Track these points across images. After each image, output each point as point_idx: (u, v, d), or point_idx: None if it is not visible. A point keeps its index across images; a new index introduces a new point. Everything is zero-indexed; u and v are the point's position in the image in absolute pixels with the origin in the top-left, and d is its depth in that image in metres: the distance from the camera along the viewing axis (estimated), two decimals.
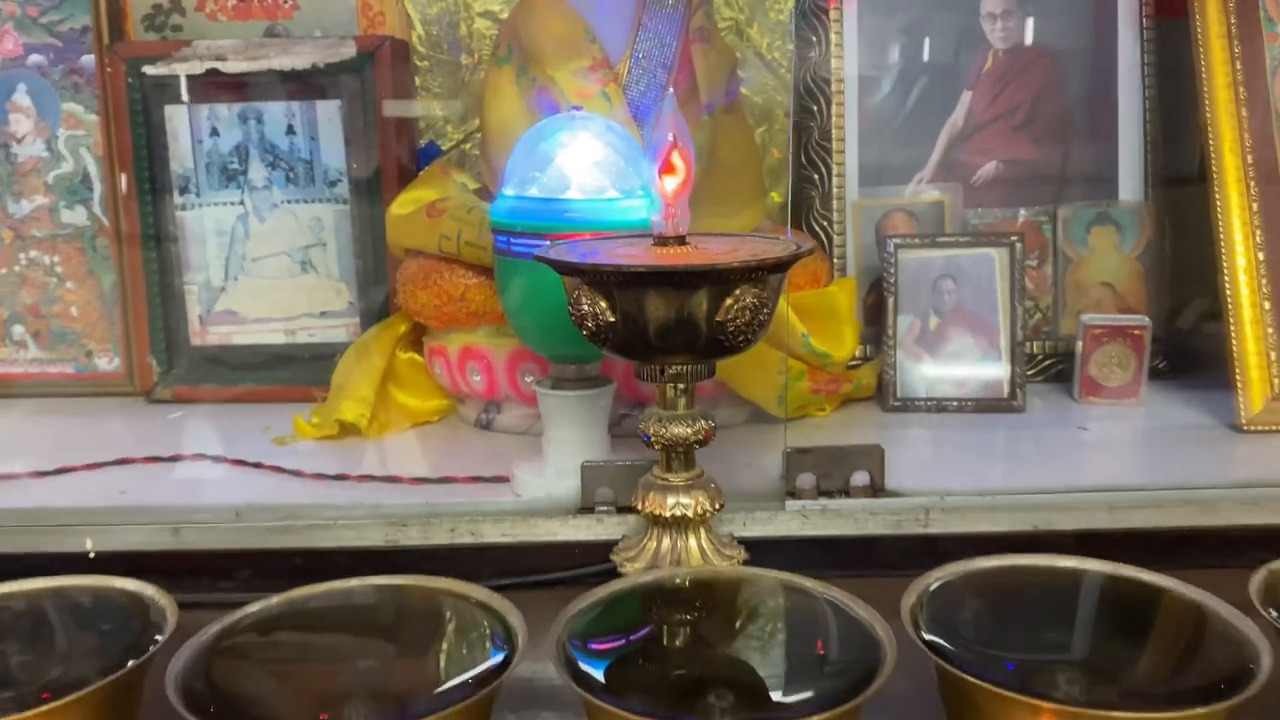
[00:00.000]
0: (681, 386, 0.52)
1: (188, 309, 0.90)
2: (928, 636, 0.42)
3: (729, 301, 0.47)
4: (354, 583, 0.47)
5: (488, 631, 0.43)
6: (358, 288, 0.90)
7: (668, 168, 0.50)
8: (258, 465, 0.73)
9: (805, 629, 0.44)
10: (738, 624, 0.45)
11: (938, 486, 0.63)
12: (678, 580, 0.47)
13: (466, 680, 0.39)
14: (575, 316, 0.50)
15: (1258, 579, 0.45)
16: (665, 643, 0.44)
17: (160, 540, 0.60)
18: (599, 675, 0.40)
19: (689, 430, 0.52)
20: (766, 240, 0.53)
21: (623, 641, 0.43)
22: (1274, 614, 0.43)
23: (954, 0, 0.91)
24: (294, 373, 0.89)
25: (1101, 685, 0.40)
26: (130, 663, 0.40)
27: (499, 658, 0.41)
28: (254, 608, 0.44)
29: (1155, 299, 0.91)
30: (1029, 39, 0.91)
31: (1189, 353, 0.90)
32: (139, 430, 0.84)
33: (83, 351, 0.94)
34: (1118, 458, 0.75)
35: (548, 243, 0.60)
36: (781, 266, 0.48)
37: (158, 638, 0.42)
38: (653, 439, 0.52)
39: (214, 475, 0.73)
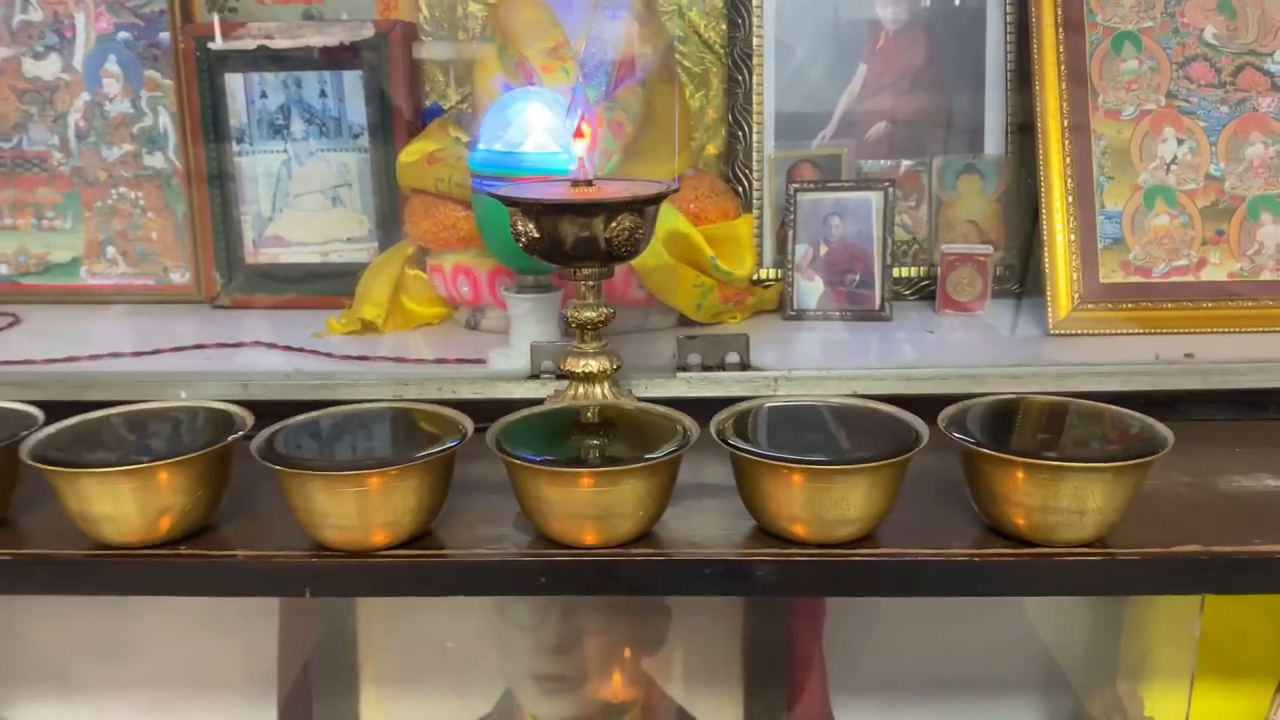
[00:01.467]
0: (590, 284, 0.75)
1: (243, 234, 1.14)
2: (731, 441, 0.66)
3: (614, 224, 0.71)
4: (366, 405, 0.72)
5: (451, 431, 0.67)
6: (375, 219, 1.13)
7: (578, 134, 0.73)
8: (300, 350, 0.98)
9: (650, 431, 0.68)
10: (611, 428, 0.70)
11: (789, 365, 0.87)
12: (559, 408, 0.72)
13: (433, 451, 0.64)
14: (514, 234, 0.74)
15: (950, 410, 0.69)
16: (562, 436, 0.69)
17: (233, 392, 0.85)
18: (517, 452, 0.64)
19: (595, 314, 0.76)
20: (650, 184, 0.77)
21: (535, 437, 0.68)
22: (951, 431, 0.66)
23: None
24: (326, 286, 1.13)
25: (831, 459, 0.63)
26: (229, 438, 0.65)
27: (455, 443, 0.65)
28: (301, 417, 0.69)
29: (1012, 233, 1.13)
30: (914, 22, 1.13)
31: (1037, 277, 1.13)
32: (207, 328, 1.08)
33: (160, 268, 1.19)
34: (942, 350, 0.98)
35: (506, 184, 0.83)
36: (650, 201, 0.72)
37: (240, 431, 0.67)
38: (570, 320, 0.76)
39: (268, 356, 0.98)
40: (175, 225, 1.17)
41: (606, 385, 0.78)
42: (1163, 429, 0.64)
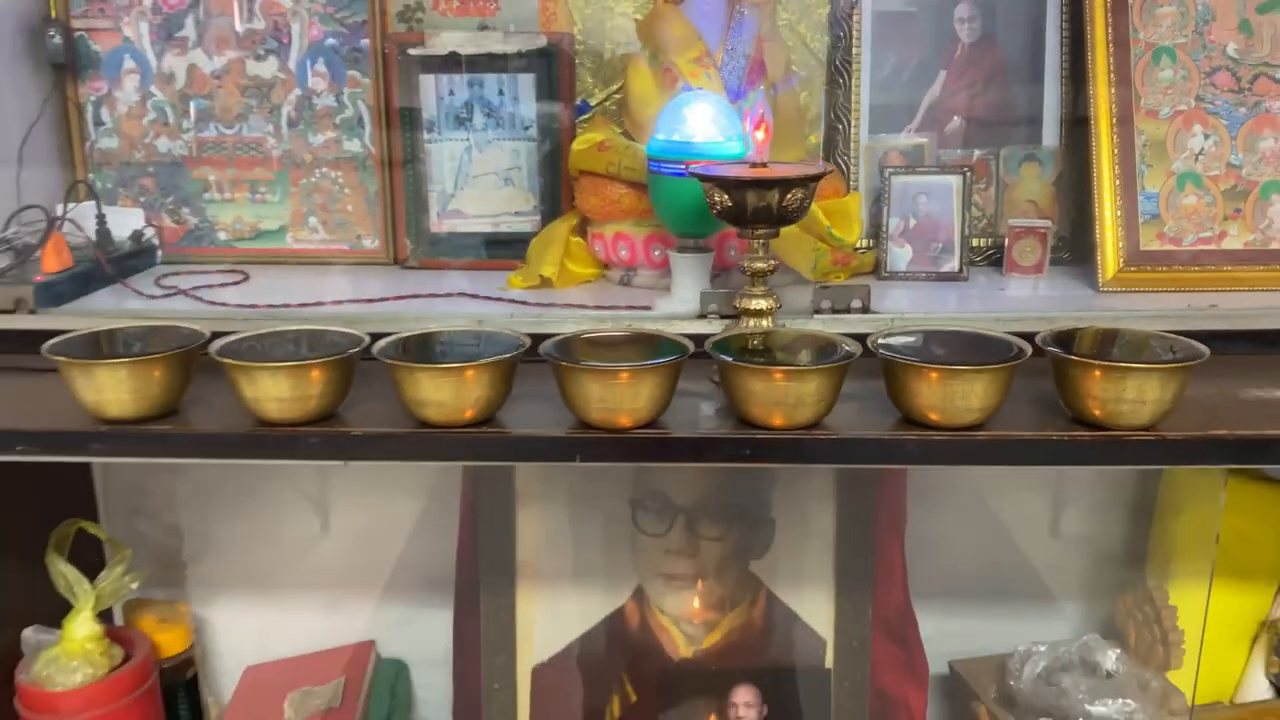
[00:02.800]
0: (762, 240, 0.99)
1: (430, 207, 1.38)
2: (884, 350, 0.90)
3: (788, 195, 0.95)
4: (604, 331, 0.96)
5: (673, 348, 0.91)
6: (539, 196, 1.37)
7: (757, 127, 0.97)
8: (498, 299, 1.22)
9: (816, 347, 0.92)
10: (785, 345, 0.94)
11: (900, 309, 1.11)
12: (756, 330, 0.96)
13: (669, 358, 0.88)
14: (709, 202, 0.98)
15: (1046, 329, 0.93)
16: (751, 350, 0.93)
17: (470, 326, 1.09)
18: (727, 356, 0.88)
19: (765, 265, 1.00)
20: (808, 165, 1.01)
21: (731, 347, 0.92)
22: (1050, 346, 0.90)
23: (936, 9, 1.36)
24: (497, 251, 1.37)
25: (956, 364, 0.87)
26: (514, 351, 0.89)
27: (682, 355, 0.89)
28: (558, 336, 0.93)
29: (1064, 210, 1.37)
30: (986, 36, 1.36)
31: (1084, 248, 1.36)
32: (408, 283, 1.30)
33: (354, 235, 1.42)
34: (1013, 302, 1.21)
35: (684, 166, 1.08)
36: (816, 179, 0.96)
37: (521, 348, 0.91)
38: (747, 269, 1.00)
39: (471, 303, 1.22)
40: (367, 199, 1.41)
41: (769, 320, 1.02)
42: (1200, 346, 0.88)
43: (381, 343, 0.91)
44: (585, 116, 1.41)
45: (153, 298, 1.23)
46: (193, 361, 0.92)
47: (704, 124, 1.10)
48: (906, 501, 1.39)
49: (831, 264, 1.27)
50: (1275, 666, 1.35)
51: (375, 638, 1.53)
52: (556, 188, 1.36)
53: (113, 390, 0.88)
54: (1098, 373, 0.85)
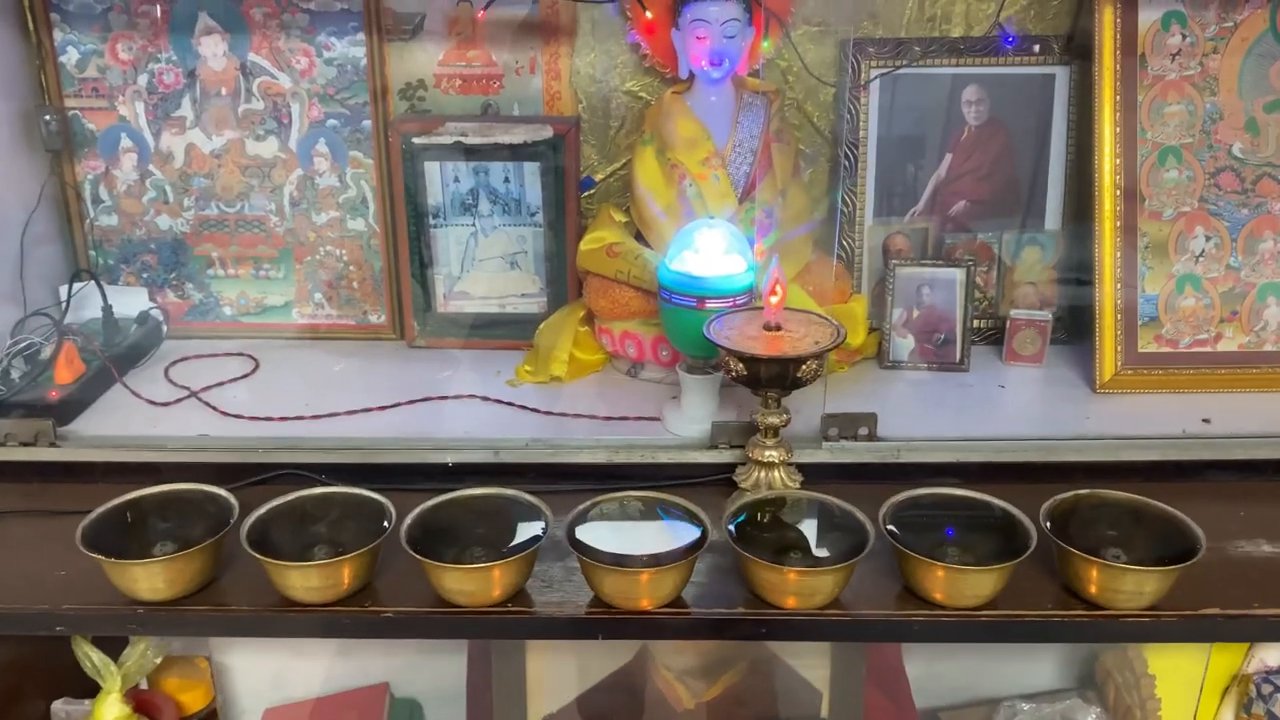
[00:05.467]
0: (775, 399, 1.01)
1: (436, 289, 1.38)
2: (889, 528, 0.93)
3: (802, 366, 0.97)
4: (629, 495, 0.98)
5: (690, 523, 0.94)
6: (545, 280, 1.37)
7: (772, 293, 0.98)
8: (509, 404, 1.24)
9: (830, 523, 0.96)
10: (797, 518, 0.97)
11: (905, 434, 1.13)
12: (769, 497, 0.99)
13: (686, 548, 0.91)
14: (724, 366, 0.99)
15: (1047, 504, 0.96)
16: (760, 522, 0.96)
17: (487, 457, 1.11)
18: (734, 532, 0.91)
19: (778, 420, 1.02)
20: (823, 325, 1.02)
21: (744, 518, 0.95)
22: (1046, 523, 0.94)
23: (942, 91, 1.35)
24: (503, 332, 1.38)
25: (969, 556, 0.91)
26: (536, 542, 0.92)
27: (698, 537, 0.93)
28: (582, 508, 0.96)
29: (1063, 294, 1.39)
30: (992, 120, 1.35)
31: (1082, 329, 1.38)
32: (409, 366, 1.33)
33: (360, 310, 1.43)
34: (1012, 411, 1.24)
35: (694, 300, 1.09)
36: (829, 350, 0.98)
37: (543, 531, 0.94)
38: (760, 424, 1.03)
39: (482, 408, 1.24)
40: (373, 276, 1.41)
41: (781, 468, 1.04)
42: (1196, 529, 0.92)
43: (407, 521, 0.93)
44: (588, 192, 1.41)
45: (165, 405, 1.24)
46: (223, 543, 0.94)
47: (715, 257, 1.11)
48: None
49: (836, 360, 1.29)
50: None
51: (389, 679, 1.59)
52: (562, 270, 1.36)
53: (147, 581, 0.91)
54: (1095, 571, 0.89)
